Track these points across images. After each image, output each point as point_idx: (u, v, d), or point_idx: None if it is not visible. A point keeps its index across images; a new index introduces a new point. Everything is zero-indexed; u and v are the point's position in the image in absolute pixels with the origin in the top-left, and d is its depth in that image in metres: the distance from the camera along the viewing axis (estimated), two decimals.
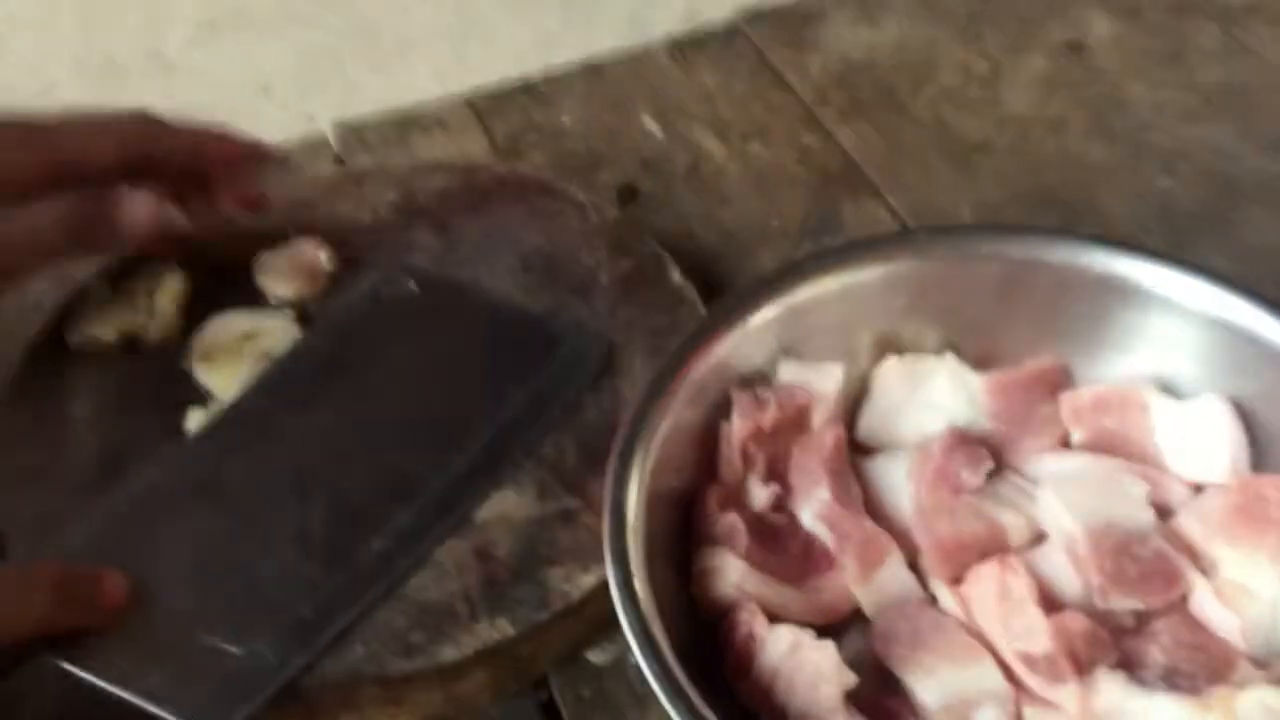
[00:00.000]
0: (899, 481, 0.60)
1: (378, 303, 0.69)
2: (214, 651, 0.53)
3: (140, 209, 0.63)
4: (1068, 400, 0.61)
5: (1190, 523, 0.57)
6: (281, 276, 0.71)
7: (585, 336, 0.67)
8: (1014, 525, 0.57)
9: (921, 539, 0.57)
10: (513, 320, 0.68)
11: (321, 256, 0.72)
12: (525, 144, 0.86)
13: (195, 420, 0.64)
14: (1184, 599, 0.55)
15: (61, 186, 0.61)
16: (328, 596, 0.56)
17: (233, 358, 0.66)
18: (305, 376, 0.65)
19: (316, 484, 0.60)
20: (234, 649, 0.54)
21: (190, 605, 0.55)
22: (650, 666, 0.48)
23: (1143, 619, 0.55)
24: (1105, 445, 0.60)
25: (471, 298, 0.69)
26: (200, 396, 0.66)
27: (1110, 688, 0.51)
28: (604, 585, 0.53)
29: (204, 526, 0.59)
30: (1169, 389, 0.61)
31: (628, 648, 0.49)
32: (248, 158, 0.68)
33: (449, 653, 0.55)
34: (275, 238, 0.73)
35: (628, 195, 0.82)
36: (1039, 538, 0.58)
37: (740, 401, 0.59)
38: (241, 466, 0.61)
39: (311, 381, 0.65)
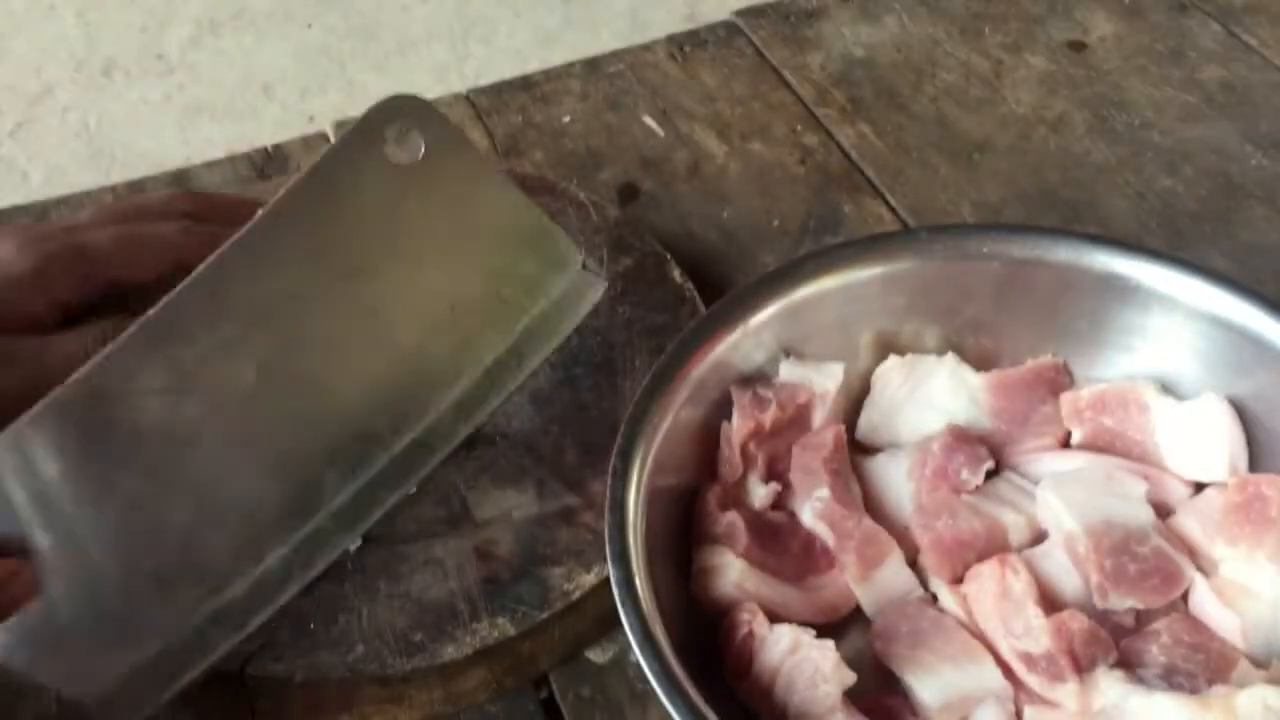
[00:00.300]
0: (899, 481, 0.60)
1: (375, 160, 0.53)
2: (135, 630, 0.49)
3: None
4: (1068, 400, 0.61)
5: (1190, 522, 0.57)
6: None
7: (587, 271, 0.60)
8: (1014, 524, 0.57)
9: (921, 538, 0.57)
10: (522, 220, 0.57)
11: None
12: (525, 143, 0.86)
13: None
14: (1184, 598, 0.55)
15: (102, 299, 0.61)
16: (265, 573, 0.52)
17: None
18: (270, 265, 0.52)
19: (261, 432, 0.51)
20: (156, 632, 0.49)
21: (115, 573, 0.49)
22: (650, 665, 0.48)
23: (1143, 618, 0.55)
24: (1105, 444, 0.60)
25: (478, 165, 0.57)
26: None
27: (1110, 687, 0.51)
28: (604, 584, 0.53)
29: (128, 482, 0.50)
30: (1169, 389, 0.61)
31: (628, 646, 0.49)
32: None
33: (449, 651, 0.55)
34: None
35: (628, 194, 0.82)
36: (1039, 537, 0.58)
37: (741, 400, 0.59)
38: (174, 398, 0.50)
39: (277, 274, 0.52)
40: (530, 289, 0.57)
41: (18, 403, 0.59)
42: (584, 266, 0.59)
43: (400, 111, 0.53)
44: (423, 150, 0.54)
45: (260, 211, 0.52)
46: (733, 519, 0.56)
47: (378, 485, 0.54)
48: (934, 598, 0.57)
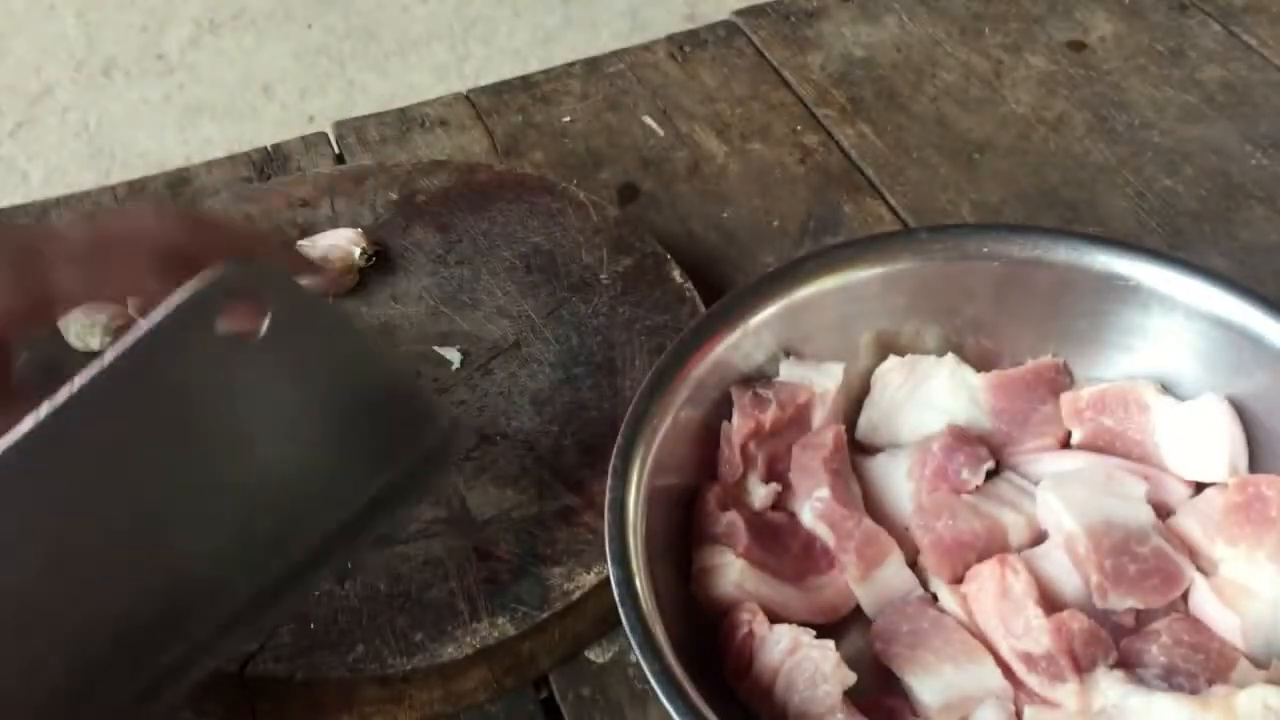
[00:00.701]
0: (899, 481, 0.60)
1: (203, 338, 0.45)
2: None
3: None
4: (1068, 400, 0.61)
5: (1190, 522, 0.57)
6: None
7: (454, 426, 0.53)
8: (1014, 525, 0.57)
9: (921, 538, 0.57)
10: (380, 384, 0.51)
11: (355, 251, 0.72)
12: (525, 143, 0.86)
13: None
14: (1184, 598, 0.55)
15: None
16: None
17: None
18: (94, 419, 0.44)
19: (14, 640, 0.44)
20: None
21: None
22: (650, 665, 0.48)
23: (1143, 618, 0.55)
24: (1105, 444, 0.60)
25: (334, 332, 0.50)
26: None
27: (1110, 687, 0.51)
28: (604, 584, 0.53)
29: None
30: (1169, 389, 0.61)
31: (628, 646, 0.49)
32: None
33: (449, 651, 0.55)
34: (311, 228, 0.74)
35: (628, 194, 0.82)
36: (1039, 537, 0.58)
37: (741, 400, 0.59)
38: None
39: (58, 469, 0.44)
40: (381, 458, 0.50)
41: None
42: (451, 424, 0.52)
43: (241, 283, 0.45)
44: (267, 321, 0.45)
45: (51, 402, 0.43)
46: (733, 519, 0.56)
47: (163, 679, 0.47)
48: (934, 598, 0.57)
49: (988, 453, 0.59)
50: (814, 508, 0.58)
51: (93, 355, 0.46)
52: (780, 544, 0.57)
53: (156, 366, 0.45)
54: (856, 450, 0.62)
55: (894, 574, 0.57)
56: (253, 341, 0.46)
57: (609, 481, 0.53)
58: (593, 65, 0.93)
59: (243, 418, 0.47)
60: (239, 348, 0.46)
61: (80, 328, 0.67)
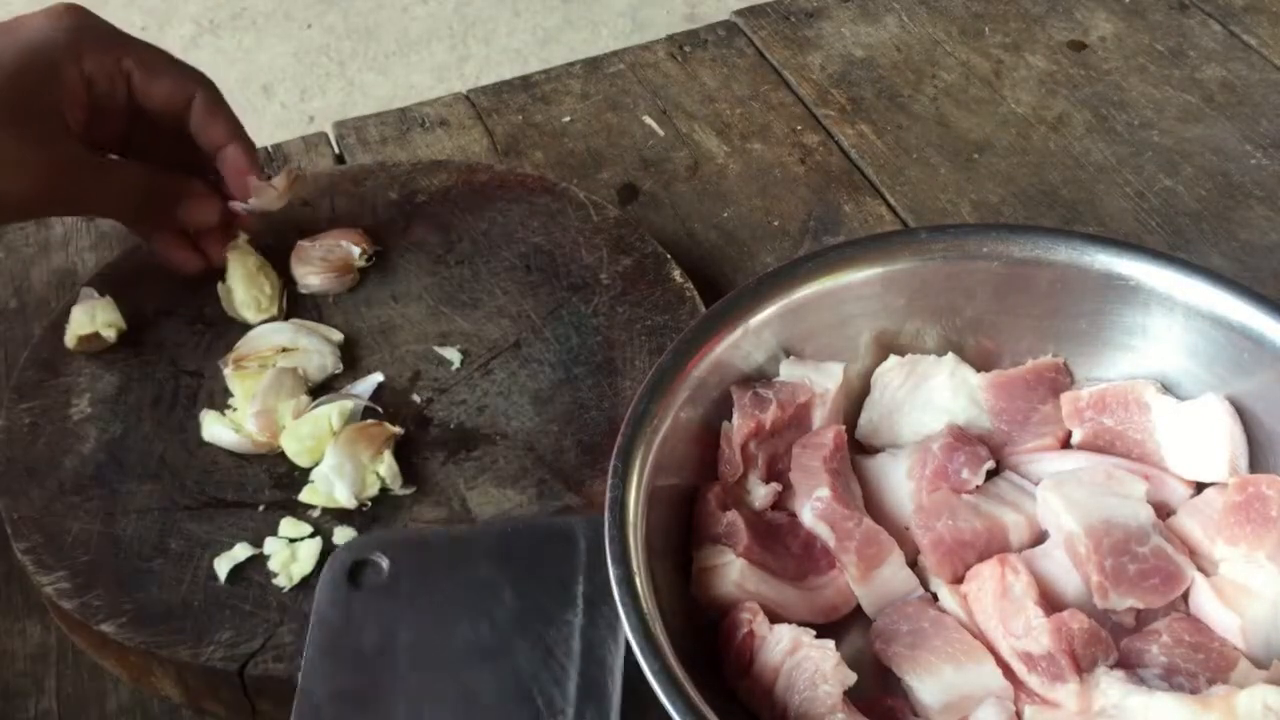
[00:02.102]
0: (899, 480, 0.60)
1: (355, 592, 0.53)
2: None
3: (207, 214, 0.69)
4: (1068, 399, 0.61)
5: (1190, 522, 0.57)
6: (313, 266, 0.72)
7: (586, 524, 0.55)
8: (1014, 524, 0.57)
9: (921, 538, 0.57)
10: (507, 540, 0.55)
11: (355, 251, 0.73)
12: (525, 143, 0.86)
13: (207, 422, 0.64)
14: (1184, 598, 0.55)
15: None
16: None
17: (261, 366, 0.66)
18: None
19: None
20: None
21: None
22: (650, 665, 0.48)
23: (1143, 618, 0.55)
24: (1105, 444, 0.60)
25: (454, 541, 0.56)
26: (204, 400, 0.66)
27: (1110, 687, 0.51)
28: None
29: None
30: (1169, 388, 0.61)
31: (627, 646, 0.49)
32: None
33: None
34: (314, 227, 0.75)
35: (628, 194, 0.83)
36: (1039, 537, 0.58)
37: (741, 400, 0.59)
38: None
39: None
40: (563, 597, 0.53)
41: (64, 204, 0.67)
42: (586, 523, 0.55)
43: (362, 548, 0.54)
44: (384, 567, 0.54)
45: None
46: (733, 519, 0.56)
47: None
48: (934, 598, 0.57)
49: (988, 453, 0.59)
50: (814, 508, 0.58)
51: None
52: (780, 544, 0.57)
53: (339, 638, 0.52)
54: (856, 450, 0.62)
55: (894, 574, 0.57)
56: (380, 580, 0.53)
57: (609, 481, 0.53)
58: (593, 65, 0.93)
59: (427, 648, 0.52)
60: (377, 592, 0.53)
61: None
